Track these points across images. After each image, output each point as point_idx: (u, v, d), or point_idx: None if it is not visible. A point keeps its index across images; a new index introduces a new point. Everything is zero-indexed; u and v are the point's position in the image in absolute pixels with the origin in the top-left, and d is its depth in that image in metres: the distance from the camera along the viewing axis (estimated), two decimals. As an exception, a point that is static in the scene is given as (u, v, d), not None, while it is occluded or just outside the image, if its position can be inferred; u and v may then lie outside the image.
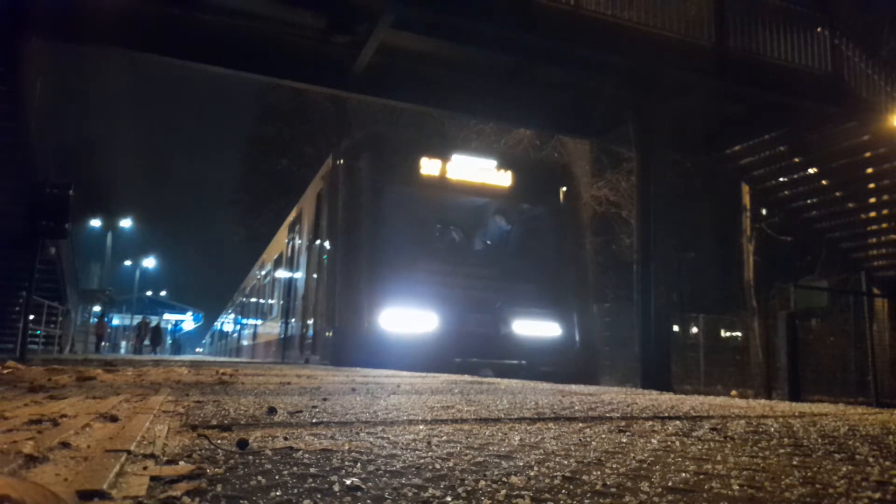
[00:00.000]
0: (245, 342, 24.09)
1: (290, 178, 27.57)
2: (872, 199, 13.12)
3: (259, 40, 10.40)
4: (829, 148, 12.35)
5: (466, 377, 5.94)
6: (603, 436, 1.80)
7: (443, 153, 9.86)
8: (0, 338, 14.34)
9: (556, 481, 1.16)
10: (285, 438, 1.62)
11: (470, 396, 3.26)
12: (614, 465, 1.31)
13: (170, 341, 45.75)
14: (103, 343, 29.73)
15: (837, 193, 13.28)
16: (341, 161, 9.77)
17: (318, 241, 10.80)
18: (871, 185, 12.78)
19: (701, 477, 1.21)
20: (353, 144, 10.39)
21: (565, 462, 1.35)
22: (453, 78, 11.46)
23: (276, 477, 1.15)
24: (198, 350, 59.32)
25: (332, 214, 9.79)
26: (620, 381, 13.38)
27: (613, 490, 1.09)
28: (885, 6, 18.60)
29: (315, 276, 10.88)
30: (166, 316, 52.41)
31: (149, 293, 52.93)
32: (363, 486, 1.09)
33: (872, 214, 13.36)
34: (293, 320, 12.95)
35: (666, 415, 2.49)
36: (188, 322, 59.22)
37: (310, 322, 11.08)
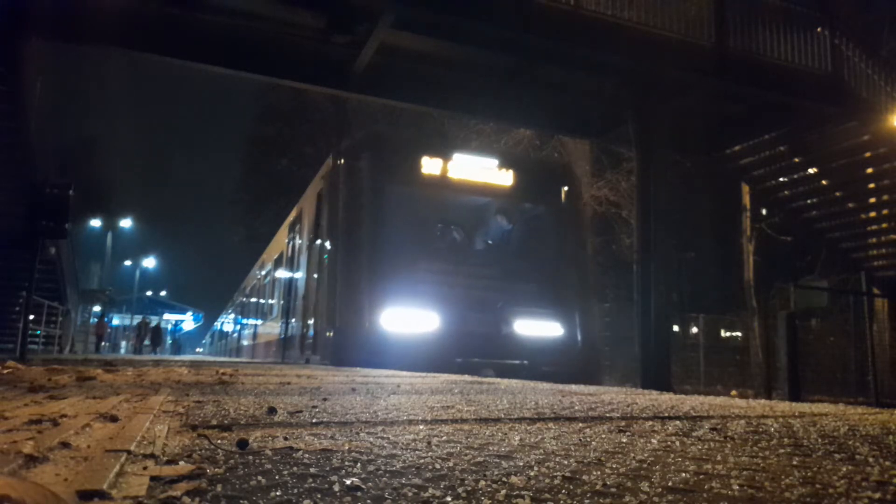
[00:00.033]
0: (245, 342, 24.08)
1: (290, 178, 27.57)
2: (872, 199, 13.12)
3: (259, 40, 10.40)
4: (829, 148, 12.35)
5: (466, 377, 5.93)
6: (603, 436, 1.80)
7: (444, 153, 9.85)
8: (0, 338, 14.34)
9: (556, 481, 1.16)
10: (285, 438, 1.62)
11: (470, 396, 3.26)
12: (614, 465, 1.31)
13: (170, 341, 45.76)
14: (103, 343, 29.73)
15: (837, 193, 13.28)
16: (342, 161, 9.76)
17: (318, 241, 10.79)
18: (871, 185, 12.78)
19: (701, 477, 1.21)
20: (353, 144, 10.39)
21: (565, 462, 1.35)
22: (453, 78, 11.45)
23: (276, 477, 1.15)
24: (198, 350, 59.34)
25: (333, 214, 9.78)
26: (620, 381, 13.38)
27: (613, 490, 1.09)
28: (885, 6, 18.60)
29: (316, 275, 10.88)
30: (166, 316, 52.42)
31: (149, 293, 52.96)
32: (363, 486, 1.09)
33: (872, 214, 13.36)
34: (293, 320, 12.94)
35: (666, 415, 2.49)
36: (188, 322, 59.24)
37: (310, 322, 11.07)
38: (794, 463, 1.38)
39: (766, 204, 17.39)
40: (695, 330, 18.99)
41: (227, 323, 35.58)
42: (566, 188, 10.53)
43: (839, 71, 11.41)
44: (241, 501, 0.99)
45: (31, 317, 12.59)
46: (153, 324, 34.93)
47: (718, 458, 1.43)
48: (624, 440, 1.71)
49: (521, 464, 1.32)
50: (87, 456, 1.30)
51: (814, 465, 1.36)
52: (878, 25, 17.69)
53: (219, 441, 1.54)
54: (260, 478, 1.14)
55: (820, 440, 1.78)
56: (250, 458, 1.33)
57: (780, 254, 19.14)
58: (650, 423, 2.19)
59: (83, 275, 30.58)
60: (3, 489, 0.79)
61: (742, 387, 15.29)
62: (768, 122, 12.31)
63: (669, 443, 1.67)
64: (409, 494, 1.04)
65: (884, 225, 13.35)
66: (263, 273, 19.29)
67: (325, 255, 10.14)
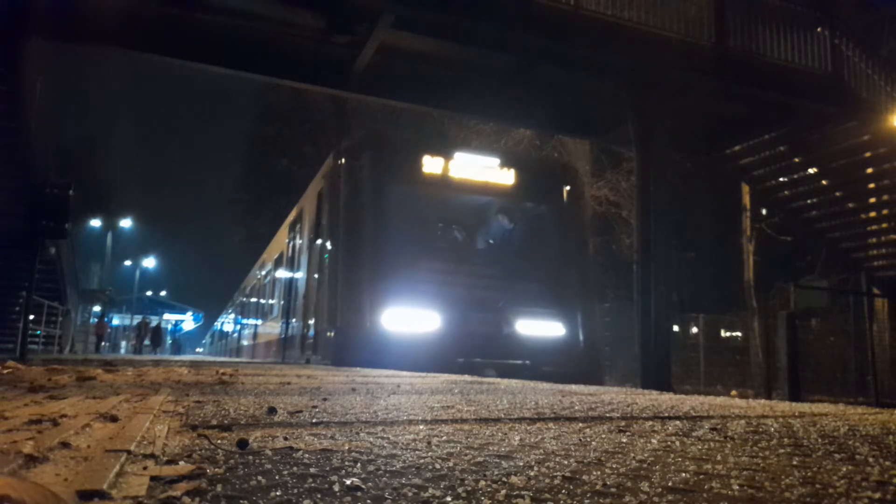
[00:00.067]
0: (245, 342, 24.08)
1: (290, 178, 27.57)
2: (872, 199, 13.13)
3: (259, 40, 10.40)
4: (829, 148, 12.35)
5: (466, 377, 5.93)
6: (603, 436, 1.80)
7: (445, 152, 9.82)
8: (0, 338, 14.34)
9: (556, 481, 1.16)
10: (285, 438, 1.62)
11: (470, 396, 3.26)
12: (614, 465, 1.31)
13: (170, 341, 45.76)
14: (103, 343, 29.73)
15: (837, 193, 13.28)
16: (343, 160, 9.74)
17: (319, 241, 10.77)
18: (871, 185, 12.78)
19: (701, 477, 1.21)
20: (354, 143, 10.36)
21: (565, 462, 1.35)
22: (453, 78, 11.45)
23: (276, 477, 1.15)
24: (198, 350, 59.35)
25: (334, 213, 9.77)
26: (620, 381, 13.38)
27: (613, 490, 1.09)
28: (885, 6, 18.61)
29: (316, 275, 10.86)
30: (166, 316, 52.43)
31: (149, 293, 52.96)
32: (363, 486, 1.09)
33: (872, 214, 13.36)
34: (294, 320, 12.93)
35: (666, 415, 2.49)
36: (188, 322, 59.25)
37: (311, 322, 11.06)
38: (794, 463, 1.38)
39: (766, 204, 17.40)
40: (695, 330, 18.99)
41: (227, 323, 35.58)
42: (568, 187, 10.51)
43: (839, 71, 11.41)
44: (241, 501, 0.99)
45: (31, 317, 12.59)
46: (153, 324, 34.94)
47: (718, 458, 1.43)
48: (624, 440, 1.71)
49: (521, 464, 1.32)
50: (87, 456, 1.30)
51: (814, 465, 1.36)
52: (878, 25, 17.70)
53: (219, 441, 1.54)
54: (260, 478, 1.14)
55: (820, 440, 1.78)
56: (250, 458, 1.33)
57: (780, 254, 19.15)
58: (650, 423, 2.19)
59: (83, 275, 30.58)
60: (3, 489, 0.79)
61: (742, 387, 15.30)
62: (768, 122, 12.32)
63: (669, 443, 1.67)
64: (409, 494, 1.04)
65: (884, 225, 13.35)
66: (264, 273, 19.29)
67: (326, 255, 10.13)
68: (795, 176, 13.43)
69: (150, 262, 48.77)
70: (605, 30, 9.93)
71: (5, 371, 4.83)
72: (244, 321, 25.35)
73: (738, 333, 19.63)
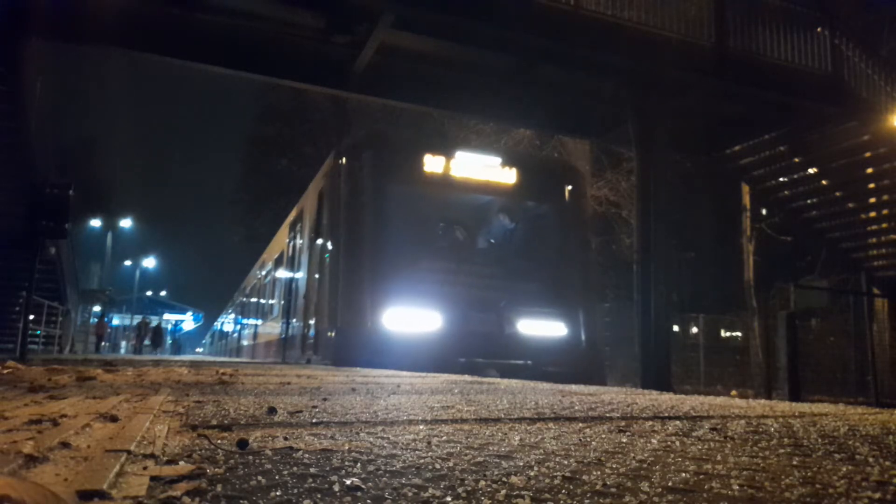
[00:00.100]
0: (245, 342, 24.08)
1: (290, 178, 27.58)
2: (872, 199, 13.13)
3: (259, 40, 10.40)
4: (829, 148, 12.36)
5: (466, 377, 5.93)
6: (603, 436, 1.80)
7: (446, 151, 9.80)
8: (0, 338, 14.34)
9: (556, 481, 1.16)
10: (285, 438, 1.62)
11: (470, 396, 3.26)
12: (614, 465, 1.31)
13: (170, 341, 45.75)
14: (103, 343, 29.73)
15: (837, 193, 13.28)
16: (343, 159, 9.72)
17: (319, 240, 10.76)
18: (871, 185, 12.78)
19: (701, 477, 1.21)
20: (355, 142, 10.34)
21: (565, 462, 1.35)
22: (453, 78, 11.46)
23: (276, 477, 1.15)
24: (198, 350, 59.33)
25: (335, 213, 9.75)
26: (620, 381, 13.37)
27: (613, 490, 1.09)
28: (885, 6, 18.61)
29: (317, 275, 10.84)
30: (166, 316, 52.43)
31: (149, 293, 52.97)
32: (363, 486, 1.09)
33: (872, 214, 13.37)
34: (294, 320, 12.92)
35: (666, 415, 2.49)
36: (188, 322, 59.26)
37: (311, 322, 11.04)
38: (794, 463, 1.38)
39: (766, 204, 17.41)
40: (695, 330, 19.00)
41: (227, 323, 35.58)
42: (570, 187, 10.48)
43: (839, 71, 11.42)
44: (241, 501, 0.99)
45: (31, 317, 12.59)
46: (153, 324, 34.93)
47: (718, 458, 1.43)
48: (624, 440, 1.71)
49: (521, 464, 1.32)
50: (87, 456, 1.30)
51: (814, 465, 1.36)
52: (878, 25, 17.70)
53: (219, 441, 1.54)
54: (260, 478, 1.14)
55: (820, 440, 1.78)
56: (250, 458, 1.33)
57: (780, 254, 19.15)
58: (650, 423, 2.19)
59: (83, 275, 30.58)
60: (3, 489, 0.79)
61: (742, 387, 15.30)
62: (768, 122, 12.32)
63: (669, 443, 1.67)
64: (409, 494, 1.04)
65: (884, 225, 13.35)
66: (264, 273, 19.28)
67: (327, 255, 10.11)
68: (795, 176, 13.44)
69: (150, 262, 48.80)
70: (605, 30, 9.93)
71: (5, 371, 4.83)
72: (244, 321, 25.35)
73: (738, 333, 19.63)
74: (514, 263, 9.99)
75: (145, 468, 1.20)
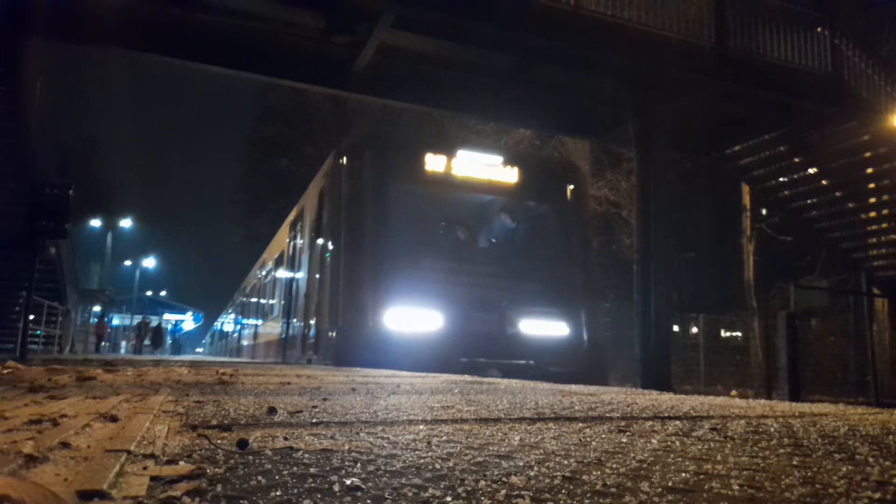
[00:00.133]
0: (245, 342, 24.07)
1: (290, 178, 27.58)
2: (872, 199, 13.13)
3: (259, 40, 10.40)
4: (829, 148, 12.36)
5: (466, 377, 5.93)
6: (603, 436, 1.80)
7: (447, 150, 9.78)
8: (0, 338, 14.34)
9: (556, 481, 1.16)
10: (285, 438, 1.62)
11: (470, 396, 3.26)
12: (614, 465, 1.31)
13: (170, 341, 45.76)
14: (103, 343, 29.72)
15: (837, 193, 13.28)
16: (344, 159, 9.70)
17: (320, 240, 10.74)
18: (871, 185, 12.78)
19: (701, 477, 1.21)
20: (355, 142, 10.32)
21: (565, 462, 1.35)
22: (453, 78, 11.46)
23: (276, 477, 1.15)
24: (198, 350, 59.34)
25: (335, 213, 9.73)
26: (620, 381, 13.37)
27: (613, 490, 1.09)
28: (885, 6, 18.61)
29: (317, 275, 10.82)
30: (166, 316, 52.43)
31: (149, 293, 52.98)
32: (363, 486, 1.09)
33: (872, 214, 13.37)
34: (295, 320, 12.90)
35: (666, 415, 2.50)
36: (188, 322, 59.26)
37: (312, 322, 11.02)
38: (794, 463, 1.38)
39: (766, 204, 17.41)
40: (695, 330, 18.99)
41: (227, 323, 35.58)
42: (572, 186, 10.46)
43: (839, 71, 11.41)
44: (241, 501, 0.99)
45: (31, 317, 12.59)
46: (153, 324, 34.92)
47: (718, 458, 1.43)
48: (624, 440, 1.71)
49: (521, 464, 1.32)
50: (87, 456, 1.30)
51: (814, 465, 1.36)
52: (878, 25, 17.70)
53: (219, 441, 1.54)
54: (260, 478, 1.14)
55: (820, 440, 1.78)
56: (250, 458, 1.33)
57: (780, 254, 19.15)
58: (650, 423, 2.19)
59: (83, 275, 30.57)
60: (3, 489, 0.79)
61: (742, 387, 15.29)
62: (768, 122, 12.32)
63: (669, 443, 1.67)
64: (409, 494, 1.04)
65: (884, 225, 13.35)
66: (264, 272, 19.26)
67: (328, 254, 10.09)
68: (795, 176, 13.44)
69: (150, 262, 48.82)
70: (605, 30, 9.93)
71: (5, 371, 4.83)
72: (244, 321, 25.34)
73: (738, 333, 19.63)
74: (515, 263, 9.97)
75: (145, 468, 1.20)
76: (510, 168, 9.99)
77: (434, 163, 9.51)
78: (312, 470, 1.22)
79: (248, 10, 9.94)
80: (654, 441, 1.70)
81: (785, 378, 9.70)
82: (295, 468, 1.23)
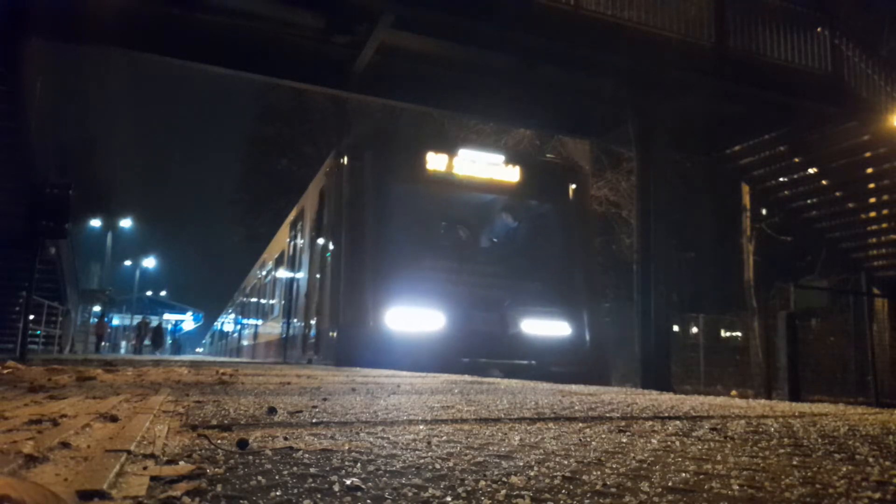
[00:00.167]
0: (245, 342, 24.07)
1: (290, 178, 27.58)
2: (872, 199, 13.13)
3: (259, 40, 10.40)
4: (829, 148, 12.36)
5: (466, 377, 5.93)
6: (603, 436, 1.80)
7: (449, 148, 9.74)
8: (0, 338, 14.34)
9: (556, 481, 1.16)
10: (285, 438, 1.62)
11: (470, 396, 3.26)
12: (614, 465, 1.31)
13: (170, 341, 45.77)
14: (103, 343, 29.72)
15: (837, 193, 13.28)
16: (345, 158, 9.68)
17: (321, 240, 10.72)
18: (871, 185, 12.78)
19: (701, 477, 1.21)
20: (356, 141, 10.29)
21: (565, 462, 1.35)
22: (453, 78, 11.45)
23: (276, 477, 1.15)
24: (198, 350, 59.34)
25: (336, 212, 9.70)
26: (620, 381, 13.37)
27: (613, 490, 1.09)
28: (885, 6, 18.60)
29: (318, 274, 10.80)
30: (166, 316, 52.42)
31: (149, 293, 52.96)
32: (363, 486, 1.09)
33: (872, 214, 13.37)
34: (295, 320, 12.89)
35: (666, 415, 2.49)
36: (188, 322, 59.26)
37: (313, 321, 11.00)
38: (794, 463, 1.38)
39: (766, 204, 17.40)
40: (695, 330, 18.98)
41: (227, 323, 35.58)
42: (574, 186, 10.43)
43: (839, 71, 11.42)
44: (241, 501, 0.99)
45: (31, 317, 12.59)
46: (153, 324, 34.92)
47: (718, 458, 1.43)
48: (624, 440, 1.71)
49: (521, 464, 1.32)
50: (87, 456, 1.30)
51: (814, 465, 1.36)
52: (878, 25, 17.70)
53: (219, 441, 1.54)
54: (260, 478, 1.14)
55: (820, 440, 1.78)
56: (250, 458, 1.33)
57: (780, 254, 19.14)
58: (650, 423, 2.19)
59: (83, 275, 30.55)
60: (3, 489, 0.79)
61: (742, 387, 15.29)
62: (768, 122, 12.32)
63: (669, 443, 1.67)
64: (409, 494, 1.04)
65: (884, 225, 13.35)
66: (264, 272, 19.25)
67: (328, 254, 10.07)
68: (795, 176, 13.44)
69: (150, 262, 48.80)
70: (605, 30, 9.93)
71: (5, 371, 4.83)
72: (244, 321, 25.34)
73: (738, 333, 19.62)
74: (517, 262, 9.94)
75: (145, 468, 1.20)
76: (512, 167, 9.95)
77: (435, 162, 9.48)
78: (312, 470, 1.22)
79: (248, 10, 9.94)
80: (654, 441, 1.70)
81: (785, 378, 9.70)
82: (295, 468, 1.23)
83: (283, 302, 14.85)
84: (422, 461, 1.33)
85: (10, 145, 10.82)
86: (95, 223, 38.27)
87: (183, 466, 1.22)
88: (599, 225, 19.22)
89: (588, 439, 1.72)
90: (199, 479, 1.11)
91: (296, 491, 1.05)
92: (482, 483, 1.13)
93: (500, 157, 10.03)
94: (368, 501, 1.01)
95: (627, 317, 13.65)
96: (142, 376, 4.77)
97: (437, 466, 1.27)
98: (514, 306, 9.16)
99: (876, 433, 1.98)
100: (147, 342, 32.26)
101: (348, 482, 1.11)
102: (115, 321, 43.84)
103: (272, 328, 16.47)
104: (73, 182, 9.83)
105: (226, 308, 36.97)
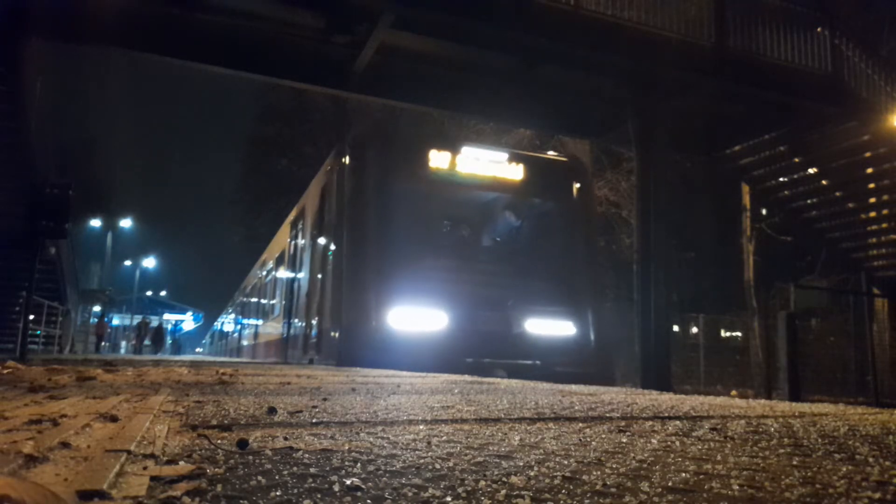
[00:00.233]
0: (246, 342, 24.06)
1: (290, 178, 27.58)
2: (872, 199, 13.13)
3: (259, 40, 10.40)
4: (829, 148, 12.36)
5: (466, 377, 5.93)
6: (603, 436, 1.80)
7: (452, 146, 9.66)
8: (0, 338, 14.34)
9: (556, 481, 1.16)
10: (285, 438, 1.62)
11: (470, 396, 3.26)
12: (614, 465, 1.31)
13: (170, 341, 45.77)
14: (103, 343, 29.72)
15: (837, 193, 13.28)
16: (346, 157, 9.64)
17: (322, 239, 10.67)
18: (871, 185, 12.78)
19: (701, 477, 1.21)
20: (358, 139, 10.24)
21: (565, 462, 1.35)
22: (453, 78, 11.45)
23: (276, 477, 1.15)
24: (198, 350, 59.34)
25: (338, 211, 9.65)
26: (620, 381, 13.36)
27: (613, 490, 1.09)
28: (885, 6, 18.61)
29: (320, 274, 10.75)
30: (166, 316, 52.45)
31: (149, 293, 52.98)
32: (363, 486, 1.09)
33: (872, 214, 13.37)
34: (296, 320, 12.85)
35: (666, 415, 2.49)
36: (188, 322, 59.27)
37: (314, 321, 10.95)
38: (794, 463, 1.38)
39: (766, 204, 17.40)
40: (695, 330, 18.99)
41: (227, 323, 35.59)
42: (578, 184, 10.37)
43: (839, 71, 11.42)
44: (241, 501, 0.99)
45: (31, 317, 12.59)
46: (153, 324, 34.92)
47: (718, 458, 1.43)
48: (624, 440, 1.71)
49: (521, 464, 1.32)
50: (87, 456, 1.30)
51: (814, 465, 1.36)
52: (878, 25, 17.70)
53: (219, 441, 1.54)
54: (260, 478, 1.14)
55: (820, 440, 1.78)
56: (250, 458, 1.33)
57: (780, 254, 19.14)
58: (650, 423, 2.19)
59: (83, 275, 30.56)
60: (3, 489, 0.79)
61: (742, 387, 15.29)
62: (768, 122, 12.32)
63: (669, 443, 1.67)
64: (409, 494, 1.04)
65: (884, 225, 13.35)
66: (265, 272, 19.23)
67: (330, 253, 10.02)
68: (795, 176, 13.44)
69: (150, 262, 48.82)
70: (605, 30, 9.93)
71: (5, 371, 4.83)
72: (245, 321, 25.34)
73: (738, 333, 19.63)
74: (520, 261, 9.88)
75: (145, 468, 1.20)
76: (515, 165, 9.85)
77: (438, 160, 9.38)
78: (312, 470, 1.22)
79: (248, 10, 9.94)
80: (654, 441, 1.70)
81: (785, 378, 9.70)
82: (295, 468, 1.23)
83: (283, 302, 14.83)
84: (422, 461, 1.33)
85: (10, 145, 10.82)
86: (95, 223, 38.28)
87: (183, 466, 1.22)
88: (599, 225, 19.22)
89: (588, 439, 1.72)
90: (199, 479, 1.11)
91: (296, 491, 1.05)
92: (482, 483, 1.13)
93: (504, 155, 9.95)
94: (368, 501, 1.01)
95: (627, 317, 13.65)
96: (142, 376, 4.77)
97: (437, 466, 1.27)
98: (518, 306, 9.09)
99: (876, 433, 1.98)
100: (147, 342, 32.26)
101: (348, 482, 1.11)
102: (115, 321, 43.85)
103: (273, 328, 16.46)
104: (73, 182, 9.83)
105: (226, 308, 36.99)
